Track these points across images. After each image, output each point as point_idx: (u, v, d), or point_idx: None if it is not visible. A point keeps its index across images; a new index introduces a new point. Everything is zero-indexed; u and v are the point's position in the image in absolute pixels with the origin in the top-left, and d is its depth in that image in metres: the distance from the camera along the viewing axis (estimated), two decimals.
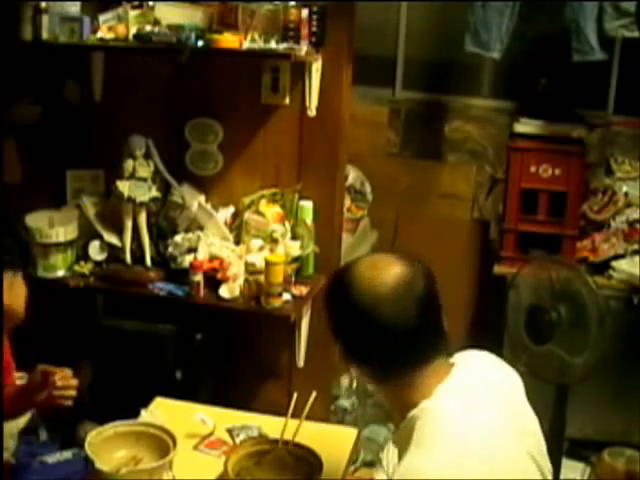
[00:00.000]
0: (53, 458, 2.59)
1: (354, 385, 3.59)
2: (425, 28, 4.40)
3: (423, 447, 1.41)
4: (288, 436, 1.96)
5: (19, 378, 2.40)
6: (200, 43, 2.84)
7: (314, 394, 2.09)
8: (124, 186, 3.03)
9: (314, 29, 2.89)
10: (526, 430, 1.56)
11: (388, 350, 1.49)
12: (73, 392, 2.05)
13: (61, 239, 3.04)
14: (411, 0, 4.31)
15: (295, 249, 3.03)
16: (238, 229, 3.14)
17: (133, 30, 2.93)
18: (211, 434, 2.12)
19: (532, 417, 1.60)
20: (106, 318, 3.22)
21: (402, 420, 1.50)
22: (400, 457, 1.45)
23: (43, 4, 2.93)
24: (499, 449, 1.46)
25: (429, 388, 1.49)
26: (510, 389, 1.61)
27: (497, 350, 3.76)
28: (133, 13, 2.96)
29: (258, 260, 2.91)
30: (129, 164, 3.04)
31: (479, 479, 1.39)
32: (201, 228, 3.12)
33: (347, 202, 3.92)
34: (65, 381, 2.03)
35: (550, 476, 1.58)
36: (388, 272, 1.51)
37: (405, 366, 1.51)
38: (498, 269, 3.70)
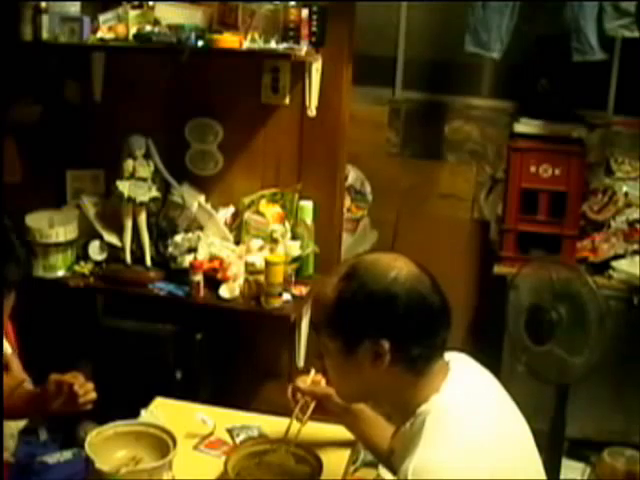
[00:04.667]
0: (53, 458, 2.60)
1: None
2: (425, 28, 4.39)
3: (437, 442, 1.41)
4: (289, 436, 1.96)
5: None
6: (200, 43, 2.84)
7: None
8: (124, 186, 3.03)
9: (314, 29, 2.89)
10: (525, 424, 1.57)
11: (430, 332, 1.50)
12: (94, 394, 2.03)
13: (61, 239, 3.04)
14: (411, 0, 4.31)
15: (295, 249, 3.03)
16: (238, 229, 3.14)
17: (133, 30, 2.93)
18: (211, 434, 2.12)
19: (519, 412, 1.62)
20: (106, 318, 3.22)
21: (408, 417, 1.50)
22: (406, 453, 1.43)
23: (43, 4, 2.94)
24: (510, 443, 1.49)
25: (438, 383, 1.50)
26: (499, 387, 1.62)
27: (497, 350, 3.78)
28: (133, 13, 2.96)
29: (258, 260, 2.91)
30: (129, 164, 3.05)
31: (496, 474, 1.40)
32: (201, 228, 3.12)
33: (347, 202, 3.92)
34: (84, 388, 2.02)
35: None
36: (404, 261, 1.51)
37: (435, 351, 1.51)
38: (498, 269, 3.69)
